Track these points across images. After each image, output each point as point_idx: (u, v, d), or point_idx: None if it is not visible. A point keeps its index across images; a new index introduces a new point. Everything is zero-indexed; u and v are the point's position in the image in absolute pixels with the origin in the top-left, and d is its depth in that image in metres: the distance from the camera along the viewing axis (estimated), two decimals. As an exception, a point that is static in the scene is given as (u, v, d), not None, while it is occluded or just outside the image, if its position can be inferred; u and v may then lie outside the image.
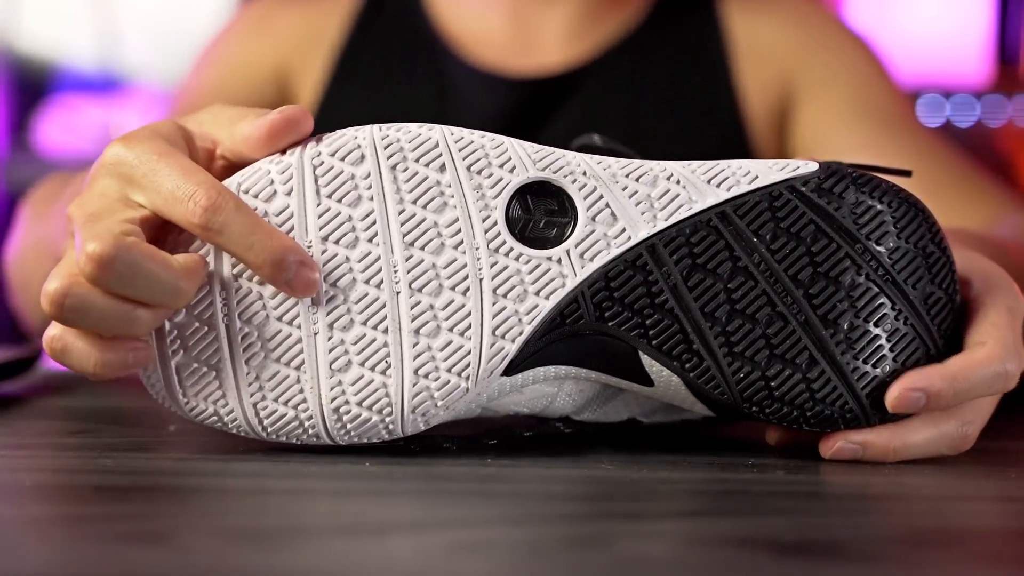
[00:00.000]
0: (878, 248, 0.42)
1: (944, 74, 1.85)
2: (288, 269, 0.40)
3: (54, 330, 0.40)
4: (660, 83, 0.83)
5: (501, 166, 0.42)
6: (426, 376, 0.41)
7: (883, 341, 0.42)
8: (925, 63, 1.85)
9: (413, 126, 0.42)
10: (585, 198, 0.42)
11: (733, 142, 0.81)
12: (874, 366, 0.42)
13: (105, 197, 0.41)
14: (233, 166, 0.43)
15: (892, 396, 0.41)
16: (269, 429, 0.41)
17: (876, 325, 0.42)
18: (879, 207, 0.43)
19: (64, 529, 0.32)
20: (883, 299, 0.42)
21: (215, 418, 0.42)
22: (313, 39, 0.84)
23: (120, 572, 0.28)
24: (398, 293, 0.41)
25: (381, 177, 0.41)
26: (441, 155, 0.42)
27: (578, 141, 0.48)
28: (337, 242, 0.41)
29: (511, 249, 0.41)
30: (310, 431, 0.41)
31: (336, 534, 0.31)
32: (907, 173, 0.44)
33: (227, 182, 0.41)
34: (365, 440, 0.42)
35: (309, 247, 0.41)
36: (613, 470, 0.41)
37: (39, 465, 0.41)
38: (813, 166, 0.43)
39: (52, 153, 1.75)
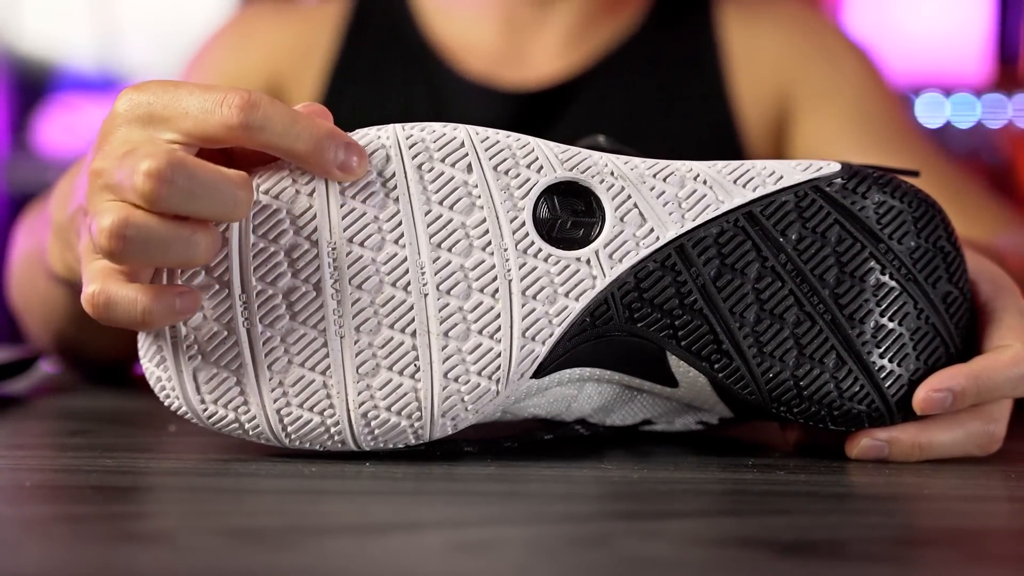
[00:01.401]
0: (899, 247, 0.43)
1: (944, 73, 1.85)
2: (337, 152, 0.39)
3: (94, 284, 0.39)
4: (655, 94, 0.82)
5: (528, 166, 0.42)
6: (456, 380, 0.40)
7: (907, 340, 0.42)
8: (925, 62, 1.85)
9: (437, 125, 0.42)
10: (613, 198, 0.42)
11: (729, 153, 0.80)
12: (899, 364, 0.42)
13: (130, 142, 0.39)
14: (246, 156, 0.42)
15: (919, 398, 0.42)
16: (293, 436, 0.41)
17: (900, 324, 0.42)
18: (900, 206, 0.43)
19: (64, 529, 0.32)
20: (906, 298, 0.42)
21: (235, 425, 0.41)
22: (304, 50, 0.84)
23: (120, 572, 0.28)
24: (426, 295, 0.41)
25: (407, 178, 0.41)
26: (467, 155, 0.41)
27: (583, 142, 0.48)
28: (362, 244, 0.41)
29: (540, 250, 0.41)
30: (336, 437, 0.41)
31: (336, 534, 0.31)
32: (915, 173, 0.45)
33: None
34: (391, 446, 0.41)
35: (333, 249, 0.40)
36: (613, 470, 0.41)
37: (39, 465, 0.41)
38: (835, 166, 0.43)
39: (52, 153, 1.75)
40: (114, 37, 1.83)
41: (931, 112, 1.82)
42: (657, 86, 0.82)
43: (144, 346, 0.41)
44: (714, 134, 0.81)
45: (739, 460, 0.44)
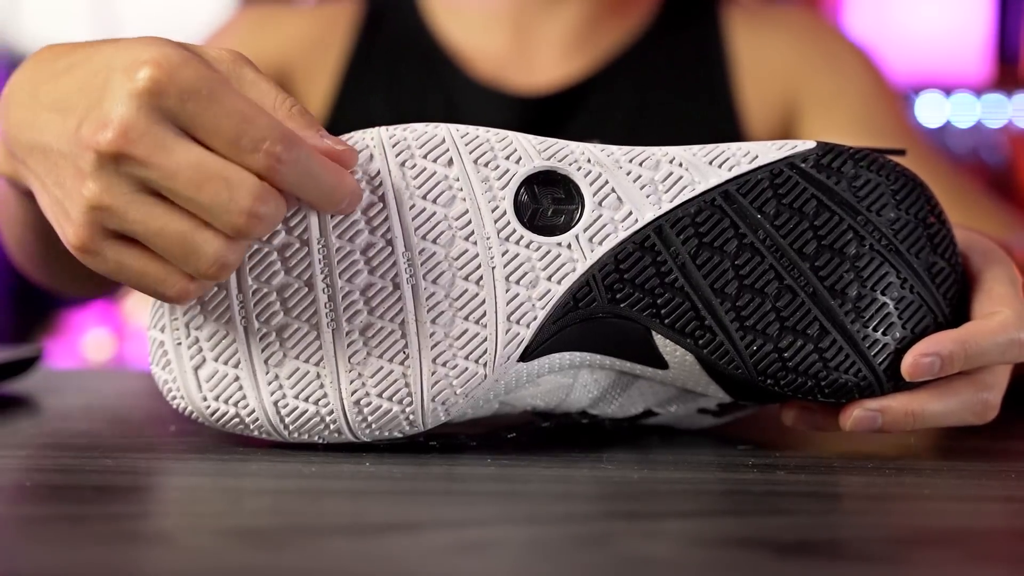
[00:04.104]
0: (879, 219, 0.43)
1: (944, 73, 1.85)
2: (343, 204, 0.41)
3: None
4: (661, 99, 0.83)
5: (507, 158, 0.43)
6: (444, 364, 0.42)
7: (891, 309, 0.43)
8: (925, 62, 1.85)
9: (419, 125, 0.43)
10: (591, 184, 0.43)
11: None
12: (884, 333, 0.42)
13: (158, 136, 0.37)
14: None
15: (907, 363, 0.42)
16: (291, 427, 0.42)
17: (883, 293, 0.43)
18: (877, 179, 0.43)
19: (64, 529, 0.32)
20: (888, 268, 0.43)
21: (236, 420, 0.42)
22: (320, 44, 0.84)
23: (120, 572, 0.28)
24: (412, 286, 0.42)
25: (391, 174, 0.42)
26: (448, 150, 0.43)
27: None
28: (350, 239, 0.42)
29: (521, 237, 0.42)
30: (332, 426, 0.42)
31: (336, 534, 0.32)
32: (901, 152, 0.45)
33: None
34: (387, 434, 0.42)
35: (323, 246, 0.42)
36: (613, 470, 0.41)
37: (39, 465, 0.41)
38: (811, 144, 0.44)
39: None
40: (114, 37, 1.83)
41: (931, 112, 1.82)
42: (664, 91, 0.82)
43: (151, 351, 0.43)
44: (721, 139, 0.81)
45: (739, 460, 0.44)
